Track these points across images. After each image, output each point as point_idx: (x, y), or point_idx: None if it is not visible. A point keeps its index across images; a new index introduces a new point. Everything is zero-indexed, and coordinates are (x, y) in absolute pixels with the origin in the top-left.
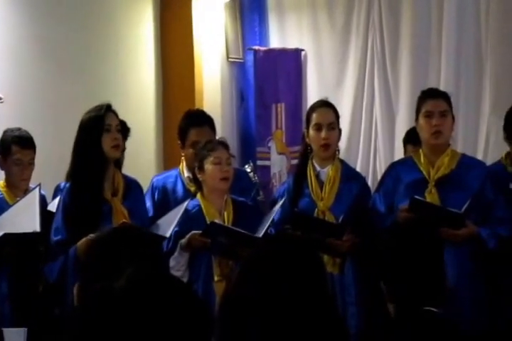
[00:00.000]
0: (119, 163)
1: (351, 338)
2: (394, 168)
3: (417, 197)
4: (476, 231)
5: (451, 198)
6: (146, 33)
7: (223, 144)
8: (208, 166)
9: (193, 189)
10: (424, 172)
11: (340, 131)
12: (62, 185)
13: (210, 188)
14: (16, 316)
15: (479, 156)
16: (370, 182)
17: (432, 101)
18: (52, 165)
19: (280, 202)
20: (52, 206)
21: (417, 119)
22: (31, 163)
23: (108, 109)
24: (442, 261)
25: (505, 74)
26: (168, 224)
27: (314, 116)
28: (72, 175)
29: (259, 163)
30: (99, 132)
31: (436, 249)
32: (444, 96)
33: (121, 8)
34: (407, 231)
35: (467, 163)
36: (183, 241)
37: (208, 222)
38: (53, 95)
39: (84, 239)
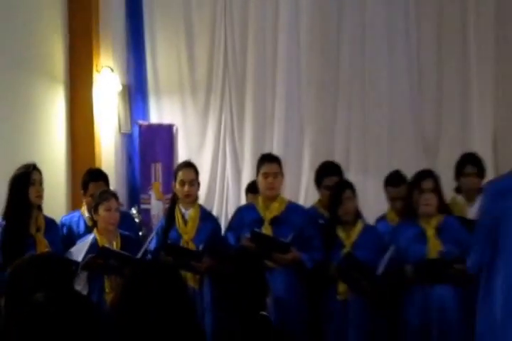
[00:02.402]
0: (40, 207)
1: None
2: (240, 211)
3: (256, 229)
4: (299, 256)
5: (280, 232)
6: (58, 112)
7: (114, 196)
8: (102, 211)
9: (90, 224)
10: (262, 214)
11: (199, 184)
12: None
13: (102, 226)
14: None
15: (301, 201)
16: (223, 220)
17: (268, 165)
18: None
19: (153, 234)
20: None
21: (257, 175)
22: None
23: (34, 167)
24: (265, 276)
25: (320, 140)
26: (78, 252)
27: (179, 173)
28: (6, 216)
29: (142, 206)
30: (27, 185)
31: (261, 265)
32: (276, 160)
33: (37, 93)
34: (242, 257)
35: (292, 207)
36: (83, 262)
37: (101, 247)
38: None
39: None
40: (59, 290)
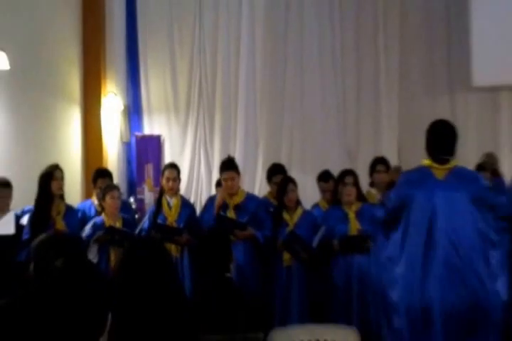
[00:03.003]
0: (62, 197)
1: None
2: (211, 199)
3: (221, 213)
4: (254, 233)
5: (241, 215)
6: (75, 127)
7: (117, 188)
8: (108, 199)
9: (99, 209)
10: (228, 202)
11: (180, 180)
12: (26, 208)
13: (108, 211)
14: None
15: (256, 193)
16: (198, 206)
17: (227, 171)
18: (20, 197)
19: (146, 217)
20: (22, 221)
21: (220, 177)
22: (5, 197)
23: (56, 167)
24: (230, 246)
25: (270, 148)
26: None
27: (165, 172)
28: (35, 203)
29: (138, 196)
30: (50, 180)
31: (227, 240)
32: (232, 167)
33: (59, 113)
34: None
35: (249, 197)
36: (94, 238)
37: (107, 226)
38: (20, 163)
39: None
40: (75, 258)
